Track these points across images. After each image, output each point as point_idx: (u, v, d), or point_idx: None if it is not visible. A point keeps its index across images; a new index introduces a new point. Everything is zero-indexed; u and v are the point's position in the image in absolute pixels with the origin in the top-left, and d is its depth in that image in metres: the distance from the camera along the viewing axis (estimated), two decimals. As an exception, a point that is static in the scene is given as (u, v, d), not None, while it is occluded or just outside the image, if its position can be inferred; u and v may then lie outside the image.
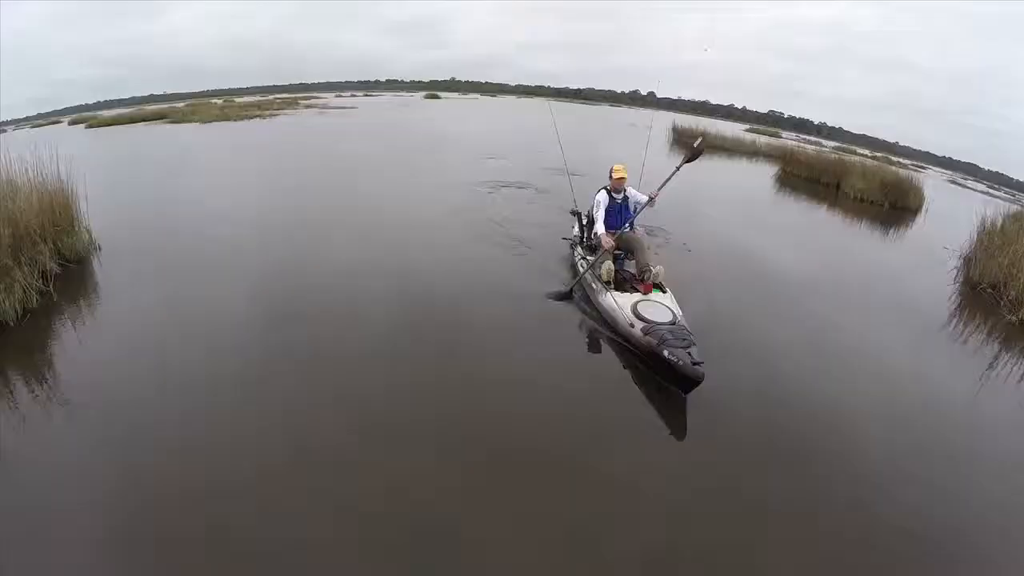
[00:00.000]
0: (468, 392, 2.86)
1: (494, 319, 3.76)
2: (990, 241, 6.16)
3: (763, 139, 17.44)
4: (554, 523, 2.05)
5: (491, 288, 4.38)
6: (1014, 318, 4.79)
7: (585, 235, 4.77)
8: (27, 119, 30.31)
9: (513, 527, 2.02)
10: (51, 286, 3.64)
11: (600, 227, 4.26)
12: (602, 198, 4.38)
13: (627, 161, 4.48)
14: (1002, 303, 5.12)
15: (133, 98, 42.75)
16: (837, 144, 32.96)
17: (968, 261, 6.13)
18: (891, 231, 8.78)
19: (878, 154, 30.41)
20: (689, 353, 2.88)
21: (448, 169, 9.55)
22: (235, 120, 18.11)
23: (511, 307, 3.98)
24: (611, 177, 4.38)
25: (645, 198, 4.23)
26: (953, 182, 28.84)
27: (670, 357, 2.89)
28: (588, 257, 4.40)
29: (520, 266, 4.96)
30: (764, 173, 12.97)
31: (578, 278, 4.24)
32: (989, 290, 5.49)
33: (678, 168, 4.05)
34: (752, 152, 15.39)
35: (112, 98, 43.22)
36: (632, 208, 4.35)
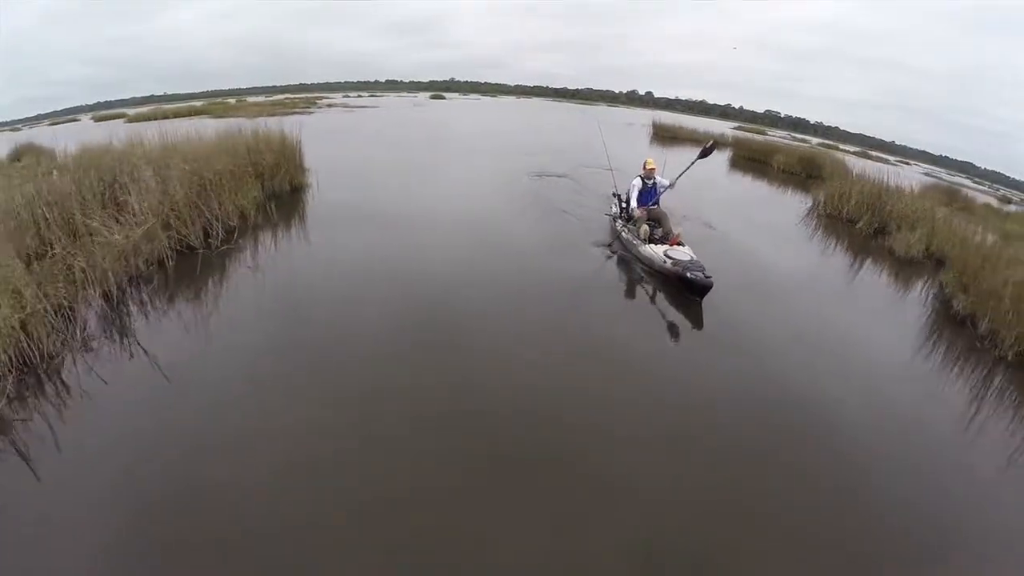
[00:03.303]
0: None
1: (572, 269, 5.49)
2: (841, 187, 9.68)
3: (737, 133, 20.91)
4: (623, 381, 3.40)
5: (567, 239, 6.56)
6: (822, 211, 9.16)
7: (622, 211, 6.54)
8: (39, 117, 33.19)
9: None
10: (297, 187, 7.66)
11: (634, 203, 6.20)
12: (637, 182, 6.23)
13: (630, 152, 7.62)
14: (820, 209, 9.30)
15: (134, 98, 43.90)
16: (821, 141, 36.24)
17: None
18: (798, 189, 12.30)
19: (858, 149, 33.74)
20: (703, 273, 4.68)
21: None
22: (279, 116, 20.39)
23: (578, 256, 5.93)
24: (644, 167, 6.21)
25: (667, 182, 6.10)
26: (927, 175, 31.57)
27: (691, 276, 4.65)
28: (629, 226, 6.22)
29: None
30: (723, 156, 16.58)
31: (617, 235, 6.40)
32: (824, 208, 9.39)
33: (692, 162, 5.96)
34: (720, 144, 18.98)
35: (112, 99, 44.34)
36: (657, 191, 6.17)
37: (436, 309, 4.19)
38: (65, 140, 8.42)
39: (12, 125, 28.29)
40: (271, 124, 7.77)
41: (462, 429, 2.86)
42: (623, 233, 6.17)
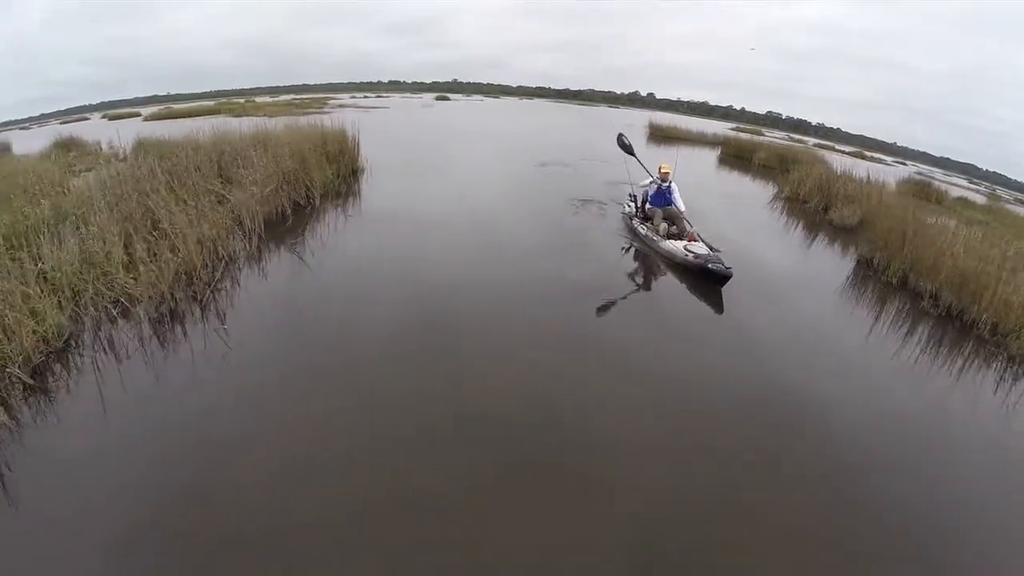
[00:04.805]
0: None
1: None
2: (800, 175, 11.47)
3: (729, 132, 22.67)
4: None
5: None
6: (784, 195, 10.97)
7: (638, 209, 7.31)
8: (44, 116, 33.80)
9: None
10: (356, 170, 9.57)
11: (650, 202, 7.02)
12: (651, 185, 7.06)
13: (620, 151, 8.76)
14: (783, 194, 11.07)
15: (136, 98, 44.28)
16: (819, 141, 38.03)
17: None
18: (773, 180, 14.03)
19: (854, 150, 35.44)
20: (723, 264, 5.39)
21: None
22: (295, 116, 21.43)
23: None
24: (659, 171, 6.88)
25: (682, 204, 6.73)
26: (919, 174, 32.78)
27: (713, 267, 5.35)
28: (646, 223, 6.93)
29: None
30: (712, 153, 18.45)
31: (634, 231, 7.03)
32: (785, 193, 11.16)
33: (701, 239, 6.29)
34: (712, 143, 20.86)
35: (113, 99, 44.75)
36: (672, 194, 6.84)
37: (447, 307, 4.51)
38: (102, 136, 10.04)
39: (20, 124, 29.39)
40: (303, 122, 9.34)
41: (465, 430, 2.97)
42: (640, 230, 6.91)
